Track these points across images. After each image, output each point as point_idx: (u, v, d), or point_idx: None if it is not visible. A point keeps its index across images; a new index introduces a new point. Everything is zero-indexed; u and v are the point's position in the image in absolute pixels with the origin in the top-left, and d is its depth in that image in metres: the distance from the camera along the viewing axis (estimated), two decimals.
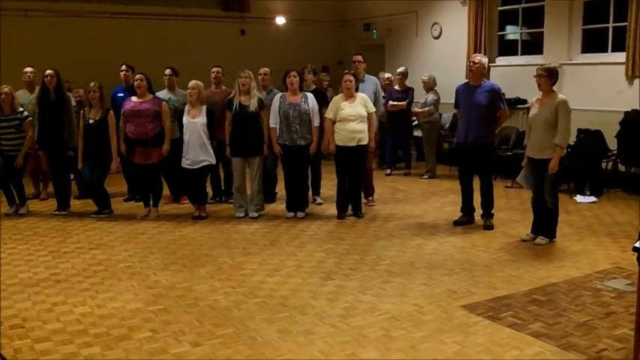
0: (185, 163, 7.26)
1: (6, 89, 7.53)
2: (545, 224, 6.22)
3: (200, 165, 7.24)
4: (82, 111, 7.65)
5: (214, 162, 7.38)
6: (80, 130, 7.49)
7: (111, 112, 7.47)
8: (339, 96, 7.32)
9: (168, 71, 8.19)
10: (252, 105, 7.22)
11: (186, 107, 7.35)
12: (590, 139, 8.59)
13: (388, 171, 10.44)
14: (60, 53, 10.95)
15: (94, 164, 7.41)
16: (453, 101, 7.13)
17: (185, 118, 7.27)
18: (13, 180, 7.65)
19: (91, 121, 7.38)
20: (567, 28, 9.59)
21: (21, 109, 7.67)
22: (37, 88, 7.94)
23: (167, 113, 7.36)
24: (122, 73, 8.52)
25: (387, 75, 11.13)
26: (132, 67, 8.58)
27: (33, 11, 11.17)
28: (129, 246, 6.35)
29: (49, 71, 7.58)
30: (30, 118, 7.65)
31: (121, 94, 8.05)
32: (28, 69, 8.47)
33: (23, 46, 10.85)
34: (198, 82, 7.35)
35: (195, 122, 7.20)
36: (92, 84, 7.45)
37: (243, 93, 7.24)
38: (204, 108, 7.28)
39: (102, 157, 7.36)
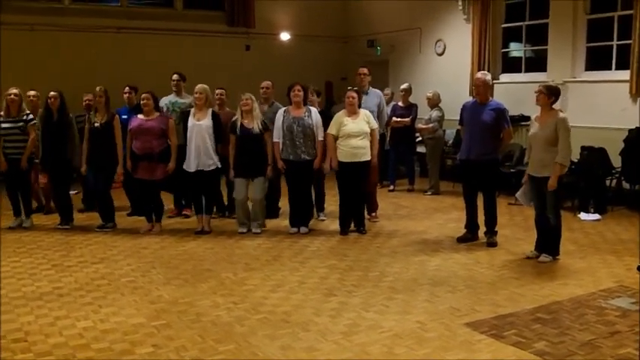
0: (187, 166, 7.28)
1: (15, 91, 7.58)
2: (548, 242, 6.21)
3: (206, 168, 7.24)
4: (87, 115, 7.69)
5: (219, 165, 7.36)
6: (85, 134, 7.53)
7: (116, 116, 7.52)
8: (342, 112, 7.34)
9: (175, 76, 8.30)
10: (256, 127, 7.24)
11: (192, 110, 7.38)
12: (594, 156, 8.59)
13: (391, 187, 10.44)
14: (65, 67, 11.05)
15: (99, 170, 7.45)
16: (456, 118, 7.14)
17: (190, 121, 7.29)
18: (21, 188, 7.67)
19: (96, 125, 7.43)
20: (571, 45, 9.62)
21: (27, 112, 7.70)
22: (40, 110, 7.94)
23: (173, 130, 7.39)
24: (125, 95, 8.53)
25: (386, 91, 11.17)
26: (135, 88, 8.59)
27: (38, 25, 11.26)
28: (132, 260, 6.35)
29: (52, 93, 7.59)
30: (35, 121, 7.67)
31: (125, 116, 8.02)
32: (32, 92, 8.46)
33: (28, 60, 10.93)
34: (205, 86, 7.40)
35: (200, 124, 7.22)
36: (98, 88, 7.50)
37: (245, 114, 7.27)
38: (210, 111, 7.31)
39: (106, 161, 7.39)
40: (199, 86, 7.36)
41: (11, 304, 5.06)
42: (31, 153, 7.67)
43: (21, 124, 7.58)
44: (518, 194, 6.44)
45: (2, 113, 7.60)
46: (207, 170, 7.29)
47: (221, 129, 7.34)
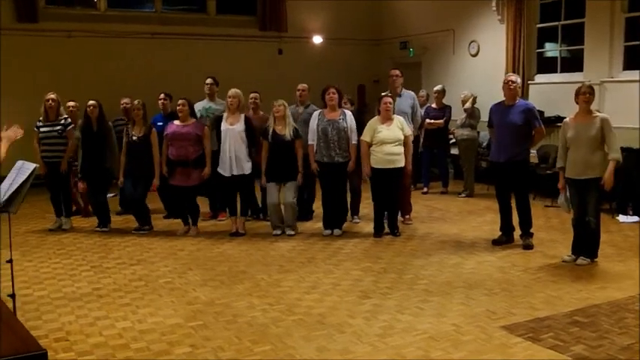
0: (222, 170, 7.35)
1: (52, 96, 7.75)
2: (586, 244, 6.12)
3: (239, 172, 7.30)
4: (125, 128, 7.83)
5: (250, 172, 7.40)
6: (123, 147, 7.66)
7: (153, 129, 7.62)
8: (376, 118, 7.33)
9: (209, 80, 8.35)
10: (288, 134, 7.30)
11: (225, 115, 7.45)
12: (633, 157, 8.42)
13: (425, 189, 10.39)
14: (101, 72, 11.26)
15: (136, 181, 7.57)
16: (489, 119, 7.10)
17: (223, 125, 7.36)
18: (63, 190, 7.83)
19: (134, 138, 7.55)
20: (608, 44, 9.45)
21: (65, 116, 7.86)
22: (80, 122, 8.08)
23: (208, 137, 7.47)
24: (160, 102, 8.60)
25: (421, 93, 11.11)
26: (170, 95, 8.67)
27: (76, 32, 11.48)
28: (168, 262, 6.44)
29: (91, 102, 7.75)
30: (72, 125, 7.84)
31: (160, 123, 8.07)
32: (71, 103, 8.57)
33: (66, 65, 11.16)
34: (238, 90, 7.45)
35: (233, 129, 7.29)
36: (136, 102, 7.66)
37: (278, 121, 7.32)
38: (242, 116, 7.38)
39: (144, 172, 7.51)
40: (233, 90, 7.42)
41: (52, 304, 5.19)
42: (69, 157, 7.83)
43: (59, 127, 7.74)
44: (560, 201, 6.35)
45: (41, 118, 7.77)
46: (242, 174, 7.35)
47: (254, 133, 7.40)
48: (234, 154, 7.29)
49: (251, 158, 7.40)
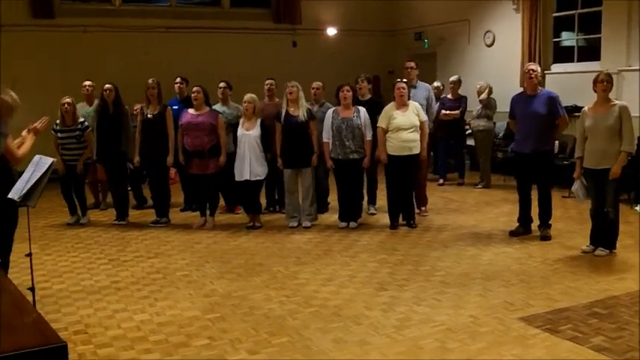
0: (238, 175, 7.37)
1: (68, 100, 7.77)
2: (605, 235, 6.07)
3: (254, 178, 7.33)
4: (140, 107, 7.85)
5: (266, 175, 7.45)
6: (138, 125, 7.71)
7: (168, 107, 7.66)
8: (391, 105, 7.30)
9: (222, 84, 8.30)
10: (302, 115, 7.28)
11: (241, 120, 7.47)
12: None
13: (441, 181, 10.35)
14: (117, 67, 11.28)
15: (152, 162, 7.62)
16: (506, 109, 7.03)
17: (239, 131, 7.38)
18: (76, 189, 7.88)
19: (149, 116, 7.59)
20: (626, 33, 9.34)
21: (82, 120, 7.90)
22: (96, 102, 8.18)
23: (223, 126, 7.48)
24: (177, 86, 8.67)
25: (436, 84, 11.03)
26: (186, 79, 8.75)
27: (91, 27, 11.55)
28: (186, 255, 6.48)
29: (107, 85, 7.80)
30: (90, 129, 7.89)
31: (176, 107, 8.17)
32: (87, 82, 8.73)
33: (82, 60, 11.22)
34: (254, 95, 7.46)
35: (249, 134, 7.31)
36: (151, 80, 7.66)
37: (291, 103, 7.31)
38: (258, 121, 7.38)
39: (159, 152, 7.53)
40: (248, 96, 7.41)
41: (71, 298, 5.24)
42: (87, 158, 7.90)
43: (77, 133, 7.78)
44: (573, 189, 6.29)
45: (58, 122, 7.81)
46: (257, 180, 7.38)
47: (269, 138, 7.40)
48: (250, 159, 7.29)
49: (266, 162, 7.42)
